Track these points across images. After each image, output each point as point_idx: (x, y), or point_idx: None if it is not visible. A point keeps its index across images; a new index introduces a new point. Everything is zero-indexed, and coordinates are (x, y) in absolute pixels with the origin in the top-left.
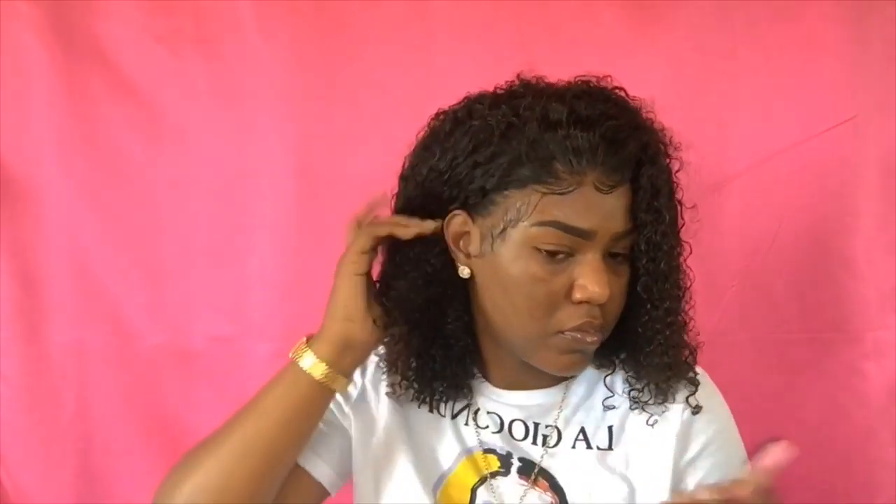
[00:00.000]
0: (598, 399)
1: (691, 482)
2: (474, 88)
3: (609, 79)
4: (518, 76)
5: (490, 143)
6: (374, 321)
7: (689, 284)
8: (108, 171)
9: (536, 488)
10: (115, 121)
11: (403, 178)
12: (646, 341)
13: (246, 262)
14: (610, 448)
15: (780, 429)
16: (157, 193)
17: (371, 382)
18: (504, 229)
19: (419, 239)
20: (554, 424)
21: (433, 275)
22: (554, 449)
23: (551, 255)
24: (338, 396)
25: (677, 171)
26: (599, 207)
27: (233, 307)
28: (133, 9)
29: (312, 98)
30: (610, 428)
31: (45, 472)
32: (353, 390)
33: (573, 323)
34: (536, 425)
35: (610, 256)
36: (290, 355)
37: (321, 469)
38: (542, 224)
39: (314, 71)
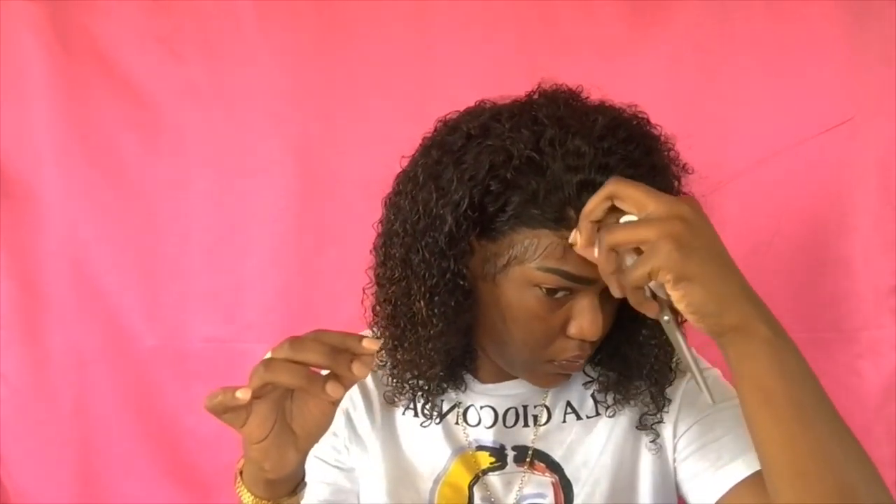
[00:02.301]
0: (578, 374)
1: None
2: (474, 88)
3: (635, 107)
4: (538, 87)
5: (506, 172)
6: (297, 451)
7: None
8: (107, 172)
9: (535, 472)
10: (113, 121)
11: (403, 194)
12: (629, 381)
13: (243, 264)
14: (597, 415)
15: None
16: (156, 194)
17: (351, 402)
18: (508, 263)
19: (449, 236)
20: (543, 403)
21: (449, 268)
22: (544, 427)
23: (551, 291)
24: (334, 450)
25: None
26: None
27: (229, 308)
28: (132, 8)
29: (311, 98)
30: (593, 395)
31: (44, 472)
32: (340, 428)
33: (566, 356)
34: (525, 408)
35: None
36: (237, 491)
37: None
38: (547, 270)
39: (314, 71)
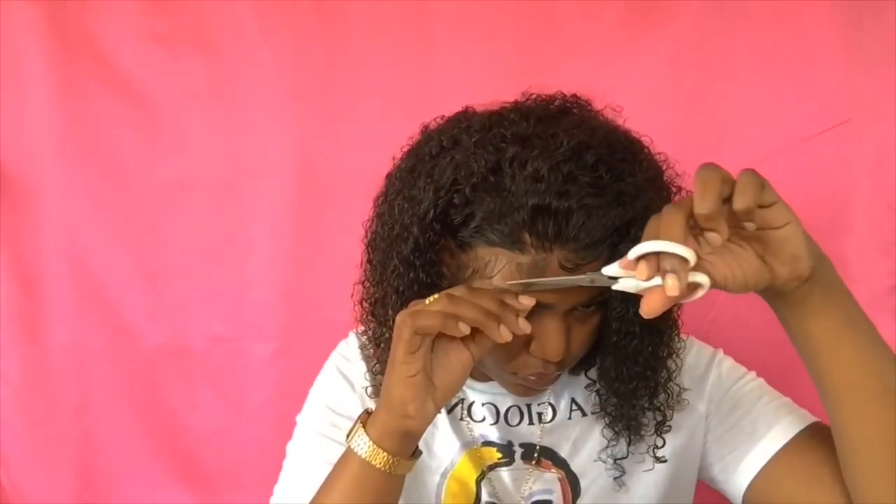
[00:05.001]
0: (581, 374)
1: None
2: (474, 88)
3: (616, 111)
4: (520, 96)
5: (466, 188)
6: (434, 403)
7: (672, 354)
8: (107, 172)
9: (541, 469)
10: (113, 121)
11: (386, 198)
12: (611, 405)
13: (245, 262)
14: (602, 411)
15: None
16: (156, 194)
17: (363, 403)
18: (472, 276)
19: (415, 247)
20: (546, 401)
21: (417, 279)
22: (550, 424)
23: None
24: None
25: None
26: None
27: (232, 307)
28: (131, 8)
29: (312, 98)
30: (598, 392)
31: (44, 472)
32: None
33: (528, 372)
34: (529, 406)
35: (581, 307)
36: (349, 443)
37: None
38: (503, 291)
39: (314, 71)
